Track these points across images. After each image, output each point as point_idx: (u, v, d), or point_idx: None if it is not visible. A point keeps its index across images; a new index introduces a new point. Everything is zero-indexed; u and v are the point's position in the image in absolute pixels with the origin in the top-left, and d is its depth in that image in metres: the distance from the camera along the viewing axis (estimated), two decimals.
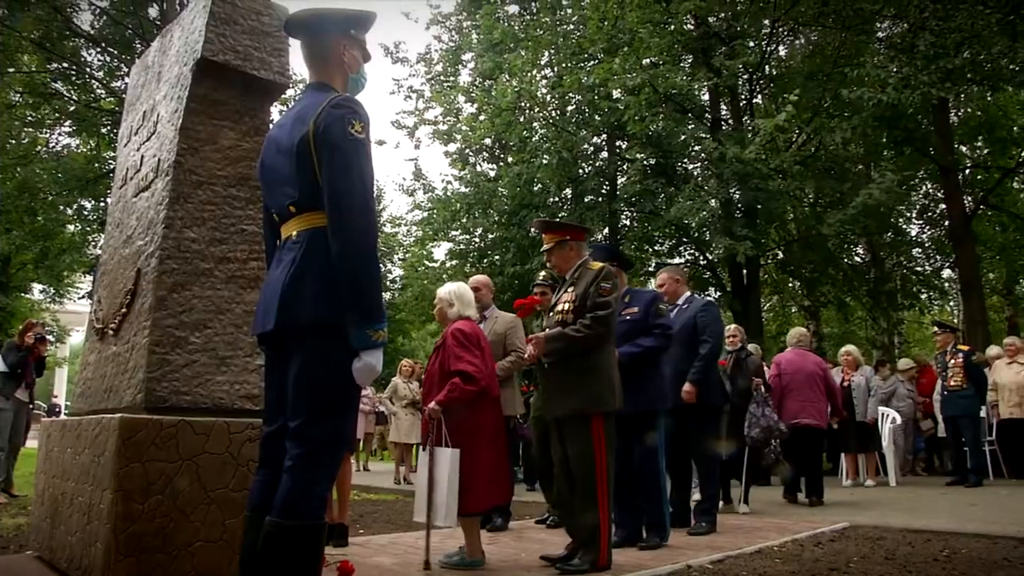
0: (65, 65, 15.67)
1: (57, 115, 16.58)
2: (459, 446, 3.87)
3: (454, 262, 17.01)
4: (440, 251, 19.77)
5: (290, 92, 11.92)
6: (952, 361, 9.27)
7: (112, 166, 13.08)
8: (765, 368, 8.18)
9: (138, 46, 14.69)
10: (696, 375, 5.54)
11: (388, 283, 22.69)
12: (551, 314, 4.34)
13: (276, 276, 2.33)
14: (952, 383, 9.22)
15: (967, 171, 16.79)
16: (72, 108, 16.15)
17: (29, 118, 16.67)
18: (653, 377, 4.82)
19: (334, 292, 2.19)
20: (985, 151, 17.91)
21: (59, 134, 17.51)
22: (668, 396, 5.00)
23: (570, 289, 4.21)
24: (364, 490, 9.54)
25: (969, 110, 16.52)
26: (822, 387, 7.61)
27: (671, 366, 5.54)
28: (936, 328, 10.13)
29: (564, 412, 4.03)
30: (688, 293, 6.02)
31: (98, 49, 15.92)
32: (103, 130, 16.09)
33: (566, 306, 4.14)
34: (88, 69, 16.07)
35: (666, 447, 5.44)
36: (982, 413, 9.60)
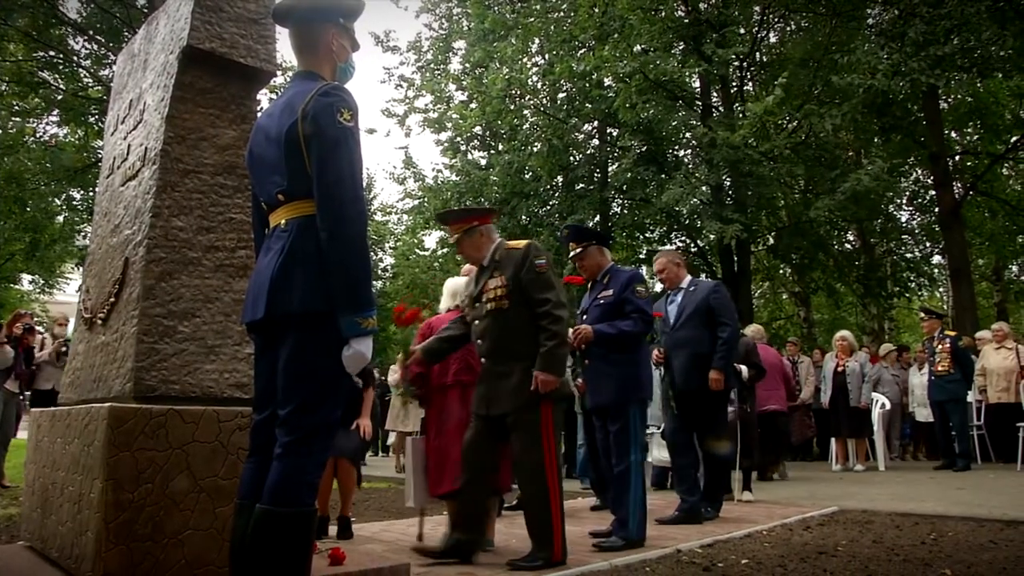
0: (52, 54, 15.53)
1: (44, 104, 16.44)
2: (431, 433, 4.19)
3: (445, 250, 16.99)
4: (431, 239, 19.78)
5: (279, 79, 11.86)
6: (939, 346, 9.36)
7: (100, 155, 13.01)
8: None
9: (125, 34, 14.57)
10: (722, 360, 5.35)
11: (379, 271, 22.67)
12: (476, 305, 3.99)
13: (265, 264, 2.33)
14: (939, 368, 9.31)
15: (957, 158, 16.84)
16: (59, 97, 16.01)
17: (15, 107, 16.54)
18: (626, 366, 4.52)
19: (323, 280, 2.20)
20: (975, 137, 17.96)
21: (47, 123, 17.40)
22: (644, 387, 4.62)
23: (496, 274, 3.91)
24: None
25: (959, 97, 16.55)
26: (781, 376, 8.90)
27: (687, 349, 5.44)
28: (923, 314, 10.23)
29: (511, 407, 3.80)
30: (690, 276, 5.82)
31: (85, 37, 15.78)
32: (91, 119, 15.97)
33: (498, 292, 3.86)
34: (75, 57, 15.93)
35: (672, 438, 5.55)
36: (969, 398, 9.69)
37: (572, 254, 4.84)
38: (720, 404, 5.57)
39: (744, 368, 6.88)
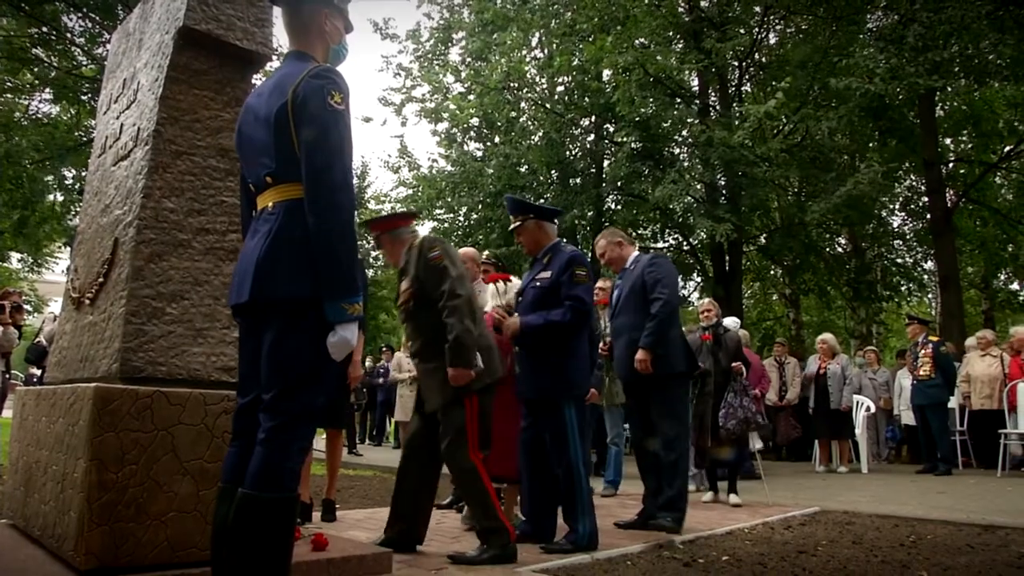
0: (45, 30, 15.37)
1: (37, 81, 16.28)
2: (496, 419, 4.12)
3: None
4: (424, 229, 19.73)
5: (274, 64, 11.77)
6: (922, 352, 9.44)
7: (93, 134, 12.88)
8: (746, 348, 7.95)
9: (120, 12, 14.43)
10: (649, 338, 4.66)
11: (371, 259, 22.62)
12: (398, 309, 4.02)
13: (251, 247, 2.30)
14: (921, 373, 9.40)
15: (950, 165, 16.91)
16: (52, 74, 15.86)
17: (8, 84, 16.37)
18: (555, 361, 4.14)
19: (310, 265, 2.18)
20: (969, 145, 18.04)
21: (39, 101, 17.23)
22: (579, 384, 4.22)
23: (403, 276, 3.90)
24: (341, 466, 9.56)
25: (955, 104, 16.61)
26: None
27: (624, 337, 4.93)
28: (908, 320, 10.36)
29: (440, 402, 3.78)
30: (635, 253, 5.17)
31: (79, 14, 15.62)
32: (84, 97, 15.83)
33: (405, 295, 3.87)
34: (69, 35, 15.78)
35: (632, 439, 5.09)
36: (951, 403, 9.77)
37: (511, 227, 4.53)
38: (668, 391, 4.85)
39: (744, 367, 6.66)
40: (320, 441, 5.70)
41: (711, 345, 6.65)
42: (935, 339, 9.75)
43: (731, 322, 8.92)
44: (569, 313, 4.08)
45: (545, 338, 4.13)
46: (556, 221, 4.63)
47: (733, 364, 6.57)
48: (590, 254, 16.12)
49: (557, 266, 4.20)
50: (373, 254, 23.52)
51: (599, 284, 6.07)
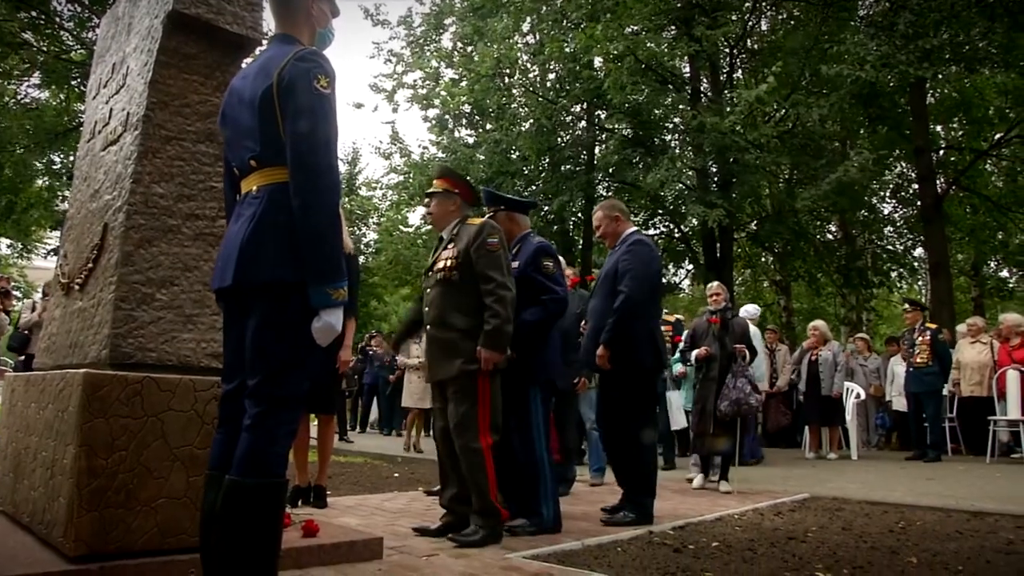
0: (34, 14, 15.21)
1: (26, 66, 16.13)
2: None
3: (429, 227, 16.92)
4: (415, 216, 19.71)
5: (262, 48, 11.69)
6: (919, 339, 9.46)
7: (82, 119, 12.75)
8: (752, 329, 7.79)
9: None
10: (608, 334, 4.53)
11: (362, 247, 22.58)
12: (429, 274, 4.10)
13: (235, 231, 2.28)
14: (918, 360, 9.42)
15: (941, 152, 16.94)
16: (41, 59, 15.71)
17: None
18: (528, 346, 4.17)
19: (294, 250, 2.16)
20: (959, 133, 18.05)
21: (28, 86, 17.08)
22: (546, 369, 4.30)
23: (450, 246, 3.99)
24: (332, 452, 9.57)
25: (945, 91, 16.62)
26: None
27: (592, 322, 4.85)
28: (907, 306, 10.35)
29: (450, 374, 3.86)
30: (631, 230, 4.92)
31: None
32: (73, 82, 15.70)
33: (448, 263, 3.93)
34: (58, 19, 15.63)
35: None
36: (944, 391, 9.82)
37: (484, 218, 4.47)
38: (632, 387, 4.65)
39: (747, 351, 6.61)
40: (313, 428, 5.71)
41: (718, 329, 6.63)
42: (932, 326, 9.76)
43: (751, 309, 8.85)
44: (551, 307, 4.23)
45: (528, 337, 4.18)
46: (528, 213, 4.74)
47: (736, 345, 6.54)
48: (581, 241, 16.27)
49: (524, 256, 4.31)
50: (365, 241, 23.49)
51: (566, 272, 6.04)
